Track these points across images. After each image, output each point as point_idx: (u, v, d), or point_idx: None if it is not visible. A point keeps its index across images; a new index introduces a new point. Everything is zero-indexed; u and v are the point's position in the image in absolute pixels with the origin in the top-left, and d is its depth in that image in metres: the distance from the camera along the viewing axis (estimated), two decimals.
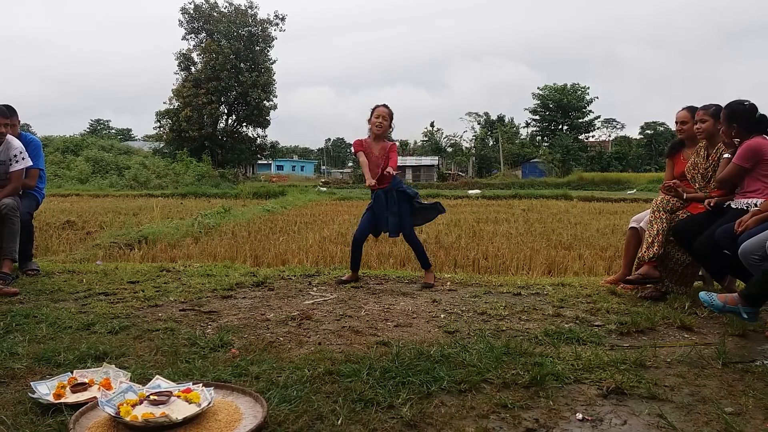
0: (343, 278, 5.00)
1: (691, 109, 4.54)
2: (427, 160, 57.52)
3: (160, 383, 2.36)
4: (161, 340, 3.14)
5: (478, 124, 66.07)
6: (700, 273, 4.65)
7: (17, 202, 4.85)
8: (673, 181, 4.53)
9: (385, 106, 4.99)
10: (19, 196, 5.03)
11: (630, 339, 3.36)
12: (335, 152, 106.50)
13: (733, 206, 3.99)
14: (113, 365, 2.62)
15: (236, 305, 4.08)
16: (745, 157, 3.81)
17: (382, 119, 4.89)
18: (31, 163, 5.02)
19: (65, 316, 3.60)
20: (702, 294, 3.31)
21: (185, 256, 7.36)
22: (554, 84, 63.17)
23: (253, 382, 2.54)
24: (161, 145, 43.29)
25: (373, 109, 4.96)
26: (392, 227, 4.87)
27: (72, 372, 2.58)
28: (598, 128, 65.65)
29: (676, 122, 4.68)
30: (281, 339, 3.25)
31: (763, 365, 2.91)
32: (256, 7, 41.63)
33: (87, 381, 2.47)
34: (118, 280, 4.91)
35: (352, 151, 4.96)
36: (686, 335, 3.45)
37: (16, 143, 4.92)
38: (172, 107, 40.51)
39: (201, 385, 2.31)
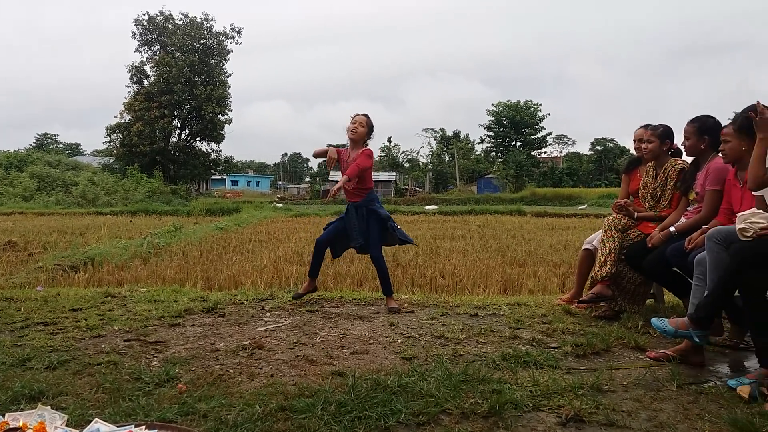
0: (299, 291, 4.91)
1: (648, 127, 4.63)
2: (384, 176, 57.62)
3: (99, 427, 2.20)
4: (103, 376, 2.96)
5: (435, 140, 66.82)
6: (651, 291, 4.74)
7: None
8: (624, 200, 4.61)
9: (365, 114, 4.89)
10: None
11: (586, 361, 3.36)
12: (292, 167, 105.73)
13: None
14: (49, 407, 2.43)
15: (184, 334, 3.91)
16: (717, 180, 3.88)
17: (358, 125, 4.78)
18: None
19: None
20: (654, 320, 3.35)
21: (133, 279, 7.08)
22: (508, 101, 64.64)
23: (201, 422, 2.41)
24: (111, 161, 42.08)
25: (352, 117, 4.87)
26: (356, 244, 4.81)
27: (3, 416, 2.38)
28: (550, 144, 67.42)
29: (634, 140, 4.76)
30: (231, 371, 3.11)
31: (716, 386, 2.95)
32: (211, 20, 41.17)
33: (20, 426, 2.28)
34: (60, 308, 4.65)
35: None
36: (640, 356, 3.47)
37: None
38: (123, 121, 39.47)
39: (144, 427, 2.16)
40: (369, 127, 4.85)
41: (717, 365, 3.34)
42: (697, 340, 3.26)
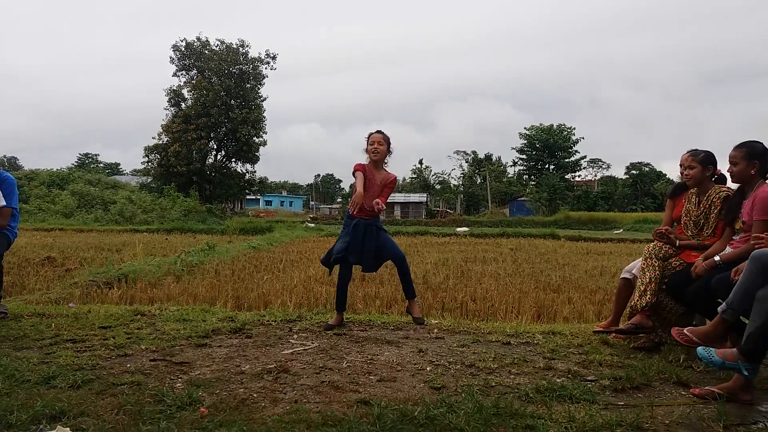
0: (330, 323, 4.82)
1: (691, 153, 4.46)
2: (415, 197, 57.63)
3: None
4: (125, 397, 2.92)
5: (466, 162, 66.65)
6: (694, 322, 4.52)
7: None
8: (665, 228, 4.43)
9: (379, 132, 4.85)
10: None
11: (625, 396, 3.18)
12: (324, 188, 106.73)
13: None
14: (68, 428, 2.40)
15: (210, 355, 3.86)
16: (766, 209, 3.69)
17: (377, 144, 4.75)
18: (3, 203, 4.83)
19: (24, 367, 3.36)
20: (700, 349, 3.16)
21: (165, 297, 7.12)
22: (540, 124, 64.13)
23: None
24: (149, 180, 43.09)
25: (368, 137, 4.83)
26: (368, 263, 4.77)
27: None
28: (584, 168, 66.50)
29: (680, 165, 4.58)
30: (255, 395, 3.04)
31: (765, 428, 2.75)
32: (247, 46, 42.15)
33: None
34: (89, 325, 4.67)
35: (353, 171, 4.73)
36: (683, 392, 3.28)
37: None
38: (161, 142, 40.50)
39: None
40: (388, 144, 4.84)
41: (767, 405, 3.12)
42: (747, 373, 3.06)
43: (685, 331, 3.43)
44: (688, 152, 4.48)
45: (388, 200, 4.82)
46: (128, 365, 3.56)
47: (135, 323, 4.81)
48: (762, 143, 3.91)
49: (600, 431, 2.61)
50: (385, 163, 4.88)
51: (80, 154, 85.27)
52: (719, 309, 3.42)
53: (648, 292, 4.11)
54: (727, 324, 3.36)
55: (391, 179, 4.82)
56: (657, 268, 4.20)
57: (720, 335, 3.43)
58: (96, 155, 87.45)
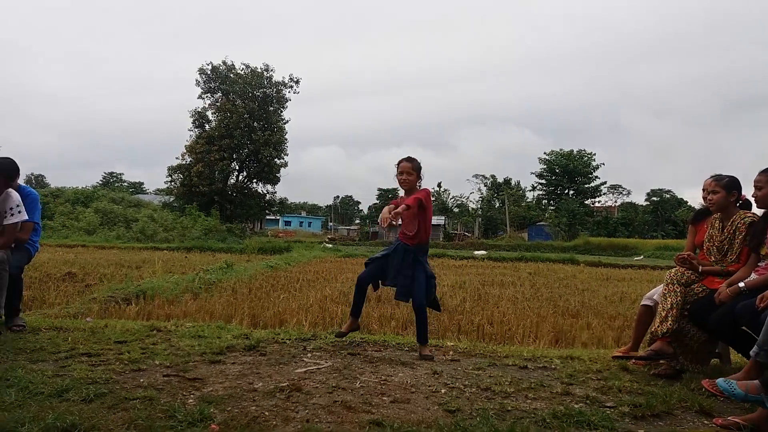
0: (342, 329, 4.79)
1: (714, 178, 4.39)
2: (433, 220, 57.52)
3: None
4: (137, 411, 2.90)
5: (485, 186, 66.55)
6: (717, 350, 4.40)
7: (7, 255, 4.71)
8: (688, 253, 4.34)
9: (408, 159, 4.70)
10: (11, 249, 4.90)
11: (645, 424, 3.09)
12: (343, 209, 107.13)
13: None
14: None
15: (224, 372, 3.85)
16: None
17: (406, 175, 4.63)
18: (26, 218, 4.91)
19: (39, 379, 3.37)
20: (720, 381, 3.07)
21: (182, 313, 7.14)
22: (560, 149, 63.90)
23: None
24: (171, 199, 43.67)
25: (397, 165, 4.72)
26: (401, 289, 4.60)
27: None
28: (604, 194, 65.90)
29: (703, 190, 4.52)
30: (266, 413, 3.01)
31: None
32: (271, 70, 42.84)
33: None
34: (105, 339, 4.69)
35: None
36: (706, 421, 3.17)
37: (15, 196, 4.84)
38: (184, 162, 41.12)
39: None
40: (417, 171, 4.69)
41: None
42: None
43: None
44: (711, 177, 4.41)
45: (428, 224, 4.68)
46: (141, 380, 3.55)
47: (150, 338, 4.82)
48: None
49: None
50: (419, 185, 4.74)
51: (105, 173, 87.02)
52: (751, 352, 3.32)
53: (669, 318, 4.02)
54: (762, 366, 3.26)
55: (419, 193, 4.63)
56: (679, 294, 4.11)
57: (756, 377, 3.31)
58: (120, 174, 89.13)
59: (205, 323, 5.88)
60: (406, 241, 4.65)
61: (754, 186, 3.92)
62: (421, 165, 4.73)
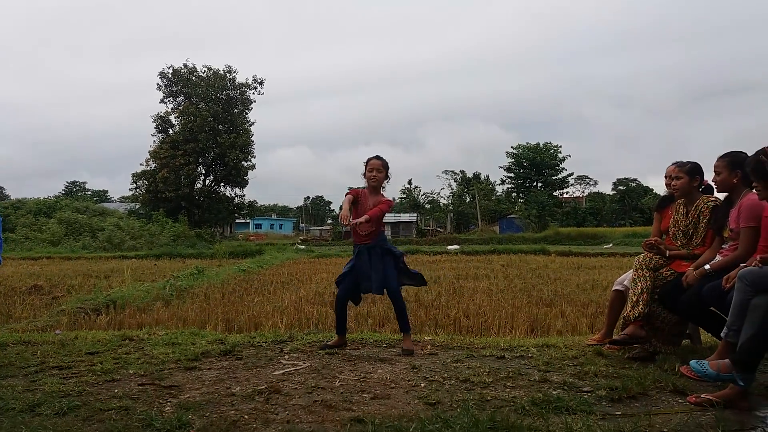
0: (329, 343, 4.73)
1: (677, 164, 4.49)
2: (405, 217, 57.65)
3: None
4: (113, 422, 2.84)
5: (455, 181, 66.88)
6: (687, 331, 4.51)
7: None
8: (655, 238, 4.44)
9: (377, 157, 4.77)
10: None
11: (622, 406, 3.15)
12: (314, 210, 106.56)
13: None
14: None
15: (200, 378, 3.79)
16: (751, 217, 3.72)
17: (376, 171, 4.68)
18: None
19: (9, 395, 3.27)
20: (693, 363, 3.16)
21: (154, 321, 7.01)
22: (527, 143, 64.72)
23: None
24: (137, 206, 42.82)
25: (367, 162, 4.75)
26: (376, 284, 4.58)
27: None
28: (571, 185, 67.04)
29: (665, 177, 4.62)
30: (246, 417, 2.97)
31: None
32: (234, 72, 42.33)
33: None
34: (76, 352, 4.57)
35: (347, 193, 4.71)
36: (680, 400, 3.25)
37: None
38: (148, 168, 40.38)
39: None
40: (386, 169, 4.78)
41: (765, 410, 3.09)
42: (742, 383, 3.05)
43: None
44: (673, 164, 4.52)
45: (382, 220, 4.74)
46: (116, 390, 3.47)
47: (123, 348, 4.72)
48: (745, 153, 3.96)
49: None
50: (383, 188, 4.81)
51: (67, 182, 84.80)
52: (722, 334, 3.44)
53: (640, 303, 4.10)
54: (733, 346, 3.36)
55: (383, 200, 4.72)
56: (648, 279, 4.20)
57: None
58: (83, 183, 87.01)
59: (178, 330, 5.78)
60: (363, 242, 4.67)
61: (714, 171, 4.03)
62: (389, 168, 4.81)
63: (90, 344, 4.86)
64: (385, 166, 4.75)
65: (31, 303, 8.86)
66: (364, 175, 4.75)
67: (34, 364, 4.14)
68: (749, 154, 3.95)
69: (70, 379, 3.72)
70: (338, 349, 4.65)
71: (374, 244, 4.65)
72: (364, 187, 4.80)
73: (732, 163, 3.93)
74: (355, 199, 4.69)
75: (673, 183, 4.36)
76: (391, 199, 4.82)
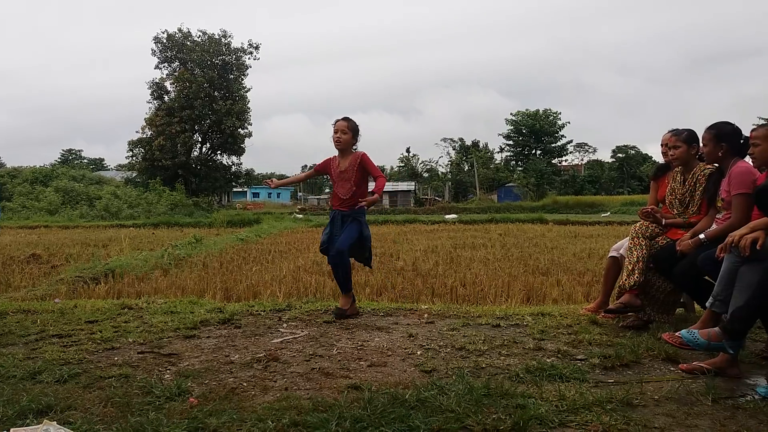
0: (341, 307, 4.69)
1: (674, 132, 4.47)
2: (403, 186, 57.60)
3: None
4: (113, 389, 2.88)
5: (454, 149, 66.61)
6: (681, 300, 4.55)
7: None
8: (651, 207, 4.44)
9: (345, 119, 4.68)
10: None
11: (615, 374, 3.20)
12: (312, 179, 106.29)
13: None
14: (55, 422, 2.37)
15: (199, 346, 3.83)
16: (742, 184, 3.71)
17: (341, 133, 4.60)
18: None
19: (10, 363, 3.31)
20: (683, 332, 3.19)
21: (153, 290, 7.05)
22: (526, 110, 64.20)
23: None
24: (134, 175, 42.59)
25: (333, 124, 4.69)
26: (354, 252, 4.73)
27: (9, 430, 2.32)
28: (570, 152, 66.64)
29: (662, 145, 4.61)
30: (245, 384, 3.02)
31: (754, 400, 2.78)
32: (229, 36, 41.61)
33: None
34: (76, 320, 4.61)
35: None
36: (672, 368, 3.30)
37: None
38: (144, 136, 40.01)
39: None
40: (353, 131, 4.66)
41: (755, 377, 3.14)
42: (732, 351, 3.10)
43: (677, 334, 3.41)
44: (669, 132, 4.50)
45: (366, 189, 4.75)
46: (116, 358, 3.52)
47: (122, 317, 4.76)
48: (732, 124, 3.94)
49: (590, 408, 2.62)
50: (354, 148, 4.72)
51: (63, 150, 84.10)
52: (707, 303, 3.47)
53: (636, 271, 4.13)
54: (717, 316, 3.40)
55: (360, 158, 4.63)
56: (644, 247, 4.22)
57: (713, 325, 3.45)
58: (80, 151, 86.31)
59: (177, 299, 5.82)
60: (341, 208, 4.66)
61: (701, 143, 4.02)
62: (359, 128, 4.72)
63: (89, 313, 4.90)
64: (352, 128, 4.65)
65: (30, 272, 8.89)
66: (332, 138, 4.66)
67: (34, 333, 4.18)
68: (736, 125, 3.94)
69: (70, 347, 3.76)
70: (329, 306, 4.77)
71: (349, 213, 4.63)
72: (335, 156, 4.75)
73: (718, 135, 3.92)
74: (324, 168, 4.75)
75: (671, 152, 4.34)
76: (362, 152, 4.70)
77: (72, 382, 3.04)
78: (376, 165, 4.71)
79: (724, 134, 3.86)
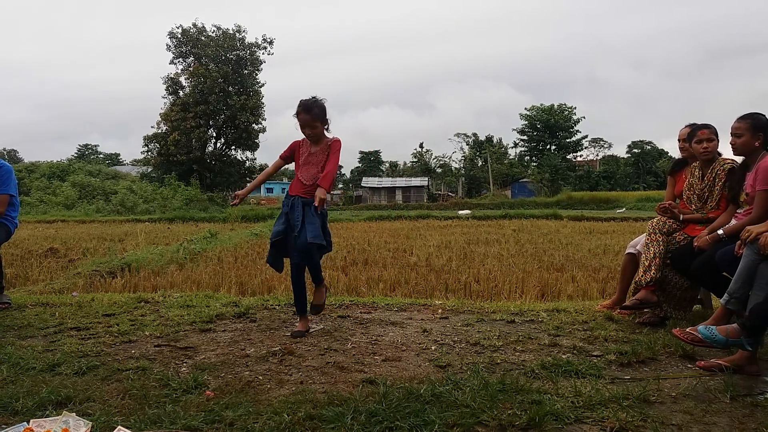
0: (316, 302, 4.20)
1: (699, 126, 4.40)
2: (416, 181, 57.53)
3: None
4: (131, 382, 2.92)
5: (467, 144, 66.39)
6: (699, 297, 4.50)
7: None
8: (668, 202, 4.40)
9: (305, 109, 3.90)
10: None
11: (631, 370, 3.18)
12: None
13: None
14: (74, 413, 2.40)
15: (215, 339, 3.86)
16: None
17: (309, 128, 3.92)
18: None
19: (29, 355, 3.36)
20: (701, 328, 3.15)
21: (168, 284, 7.12)
22: (541, 104, 63.72)
23: (227, 430, 2.34)
24: (149, 170, 42.98)
25: (296, 117, 3.97)
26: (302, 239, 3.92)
27: (29, 422, 2.35)
28: (585, 148, 66.12)
29: (679, 140, 4.55)
30: (260, 378, 3.04)
31: None
32: (244, 31, 41.71)
33: None
34: (93, 313, 4.67)
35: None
36: (689, 365, 3.27)
37: None
38: (160, 131, 40.31)
39: None
40: (320, 119, 3.93)
41: None
42: (750, 348, 3.06)
43: (688, 330, 3.37)
44: (687, 126, 4.46)
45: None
46: (133, 351, 3.55)
47: (139, 310, 4.80)
48: (765, 115, 3.86)
49: (607, 404, 2.60)
50: (327, 131, 4.05)
51: (80, 145, 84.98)
52: (722, 301, 3.43)
53: (652, 267, 4.09)
54: (731, 313, 3.36)
55: (330, 143, 3.98)
56: (661, 243, 4.17)
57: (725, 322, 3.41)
58: (95, 146, 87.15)
59: (192, 293, 5.87)
60: (302, 195, 3.95)
61: (732, 134, 3.93)
62: (324, 105, 3.97)
63: (106, 306, 4.96)
64: (317, 116, 3.90)
65: (48, 265, 9.01)
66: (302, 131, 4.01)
67: (53, 325, 4.23)
68: None
69: (88, 340, 3.80)
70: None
71: (311, 200, 3.89)
72: (303, 139, 4.10)
73: (755, 125, 3.82)
74: (292, 154, 4.11)
75: (704, 145, 4.25)
76: (336, 138, 4.04)
77: (90, 374, 3.08)
78: (337, 160, 4.01)
79: (762, 125, 3.78)
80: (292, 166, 4.22)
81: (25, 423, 2.34)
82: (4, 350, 3.46)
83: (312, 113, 3.90)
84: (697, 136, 4.27)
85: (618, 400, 2.65)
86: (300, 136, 4.10)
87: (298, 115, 3.96)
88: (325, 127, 4.02)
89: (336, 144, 4.01)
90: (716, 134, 4.20)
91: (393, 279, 7.19)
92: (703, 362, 3.23)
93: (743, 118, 3.88)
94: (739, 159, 4.08)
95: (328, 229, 4.16)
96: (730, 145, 4.05)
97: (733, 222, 3.93)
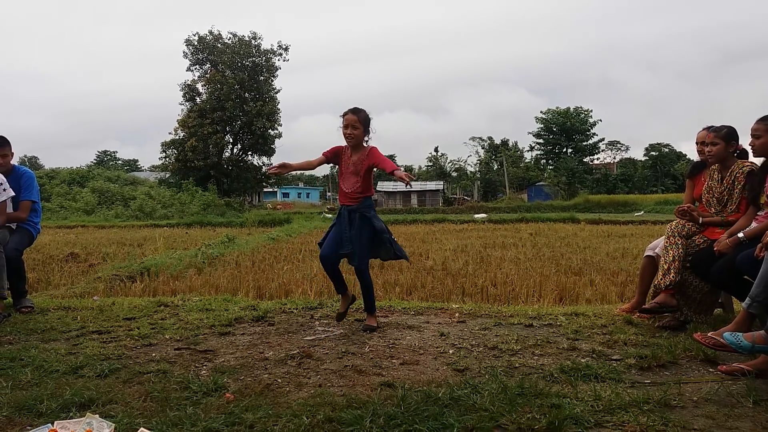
0: (340, 311, 4.41)
1: (711, 129, 4.37)
2: (432, 185, 57.46)
3: None
4: (152, 384, 2.95)
5: (482, 148, 66.14)
6: (719, 300, 4.45)
7: (2, 235, 4.71)
8: (687, 205, 4.35)
9: (354, 111, 4.21)
10: (11, 231, 4.89)
11: (651, 375, 3.15)
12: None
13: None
14: (97, 415, 2.43)
15: (234, 342, 3.90)
16: None
17: (351, 128, 4.15)
18: (12, 194, 4.89)
19: (53, 358, 3.42)
20: (726, 335, 3.11)
21: (187, 288, 7.19)
22: (557, 108, 63.32)
23: None
24: (167, 175, 43.45)
25: (342, 117, 4.24)
26: (346, 250, 4.20)
27: (53, 423, 2.40)
28: (602, 150, 65.49)
29: (697, 143, 4.51)
30: (279, 381, 3.06)
31: None
32: (259, 38, 42.12)
33: None
34: (114, 317, 4.73)
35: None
36: (711, 369, 3.23)
37: None
38: (177, 137, 40.79)
39: None
40: (365, 124, 4.20)
41: None
42: None
43: (710, 334, 3.34)
44: (705, 129, 4.41)
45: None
46: (153, 354, 3.60)
47: (159, 314, 4.86)
48: None
49: (627, 409, 2.58)
50: (366, 142, 4.29)
51: (99, 152, 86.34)
52: (743, 305, 3.38)
53: (672, 271, 4.05)
54: (753, 318, 3.32)
55: (368, 152, 4.23)
56: (680, 246, 4.13)
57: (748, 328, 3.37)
58: (114, 152, 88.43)
59: (211, 297, 5.92)
60: (346, 203, 4.26)
61: (752, 135, 3.89)
62: (370, 118, 4.27)
63: (127, 310, 5.02)
64: (362, 120, 4.18)
65: (69, 270, 9.14)
66: (342, 132, 4.25)
67: (75, 329, 4.30)
68: None
69: (110, 343, 3.86)
70: (357, 317, 4.54)
71: (356, 207, 4.20)
72: (346, 146, 4.34)
73: None
74: (334, 157, 4.34)
75: (707, 149, 4.24)
76: (372, 147, 4.30)
77: (112, 376, 3.13)
78: (383, 156, 4.28)
79: None
80: (310, 171, 4.30)
81: (49, 425, 2.38)
82: (28, 353, 3.52)
83: (358, 115, 4.20)
84: (699, 137, 4.28)
85: (638, 405, 2.63)
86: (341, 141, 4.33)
87: (344, 114, 4.23)
88: (366, 136, 4.27)
89: (374, 150, 4.28)
90: (725, 138, 4.14)
91: (409, 283, 7.18)
92: (724, 366, 3.19)
93: (762, 120, 3.84)
94: (759, 161, 4.04)
95: (388, 236, 4.27)
96: (749, 147, 4.01)
97: (754, 225, 3.88)
